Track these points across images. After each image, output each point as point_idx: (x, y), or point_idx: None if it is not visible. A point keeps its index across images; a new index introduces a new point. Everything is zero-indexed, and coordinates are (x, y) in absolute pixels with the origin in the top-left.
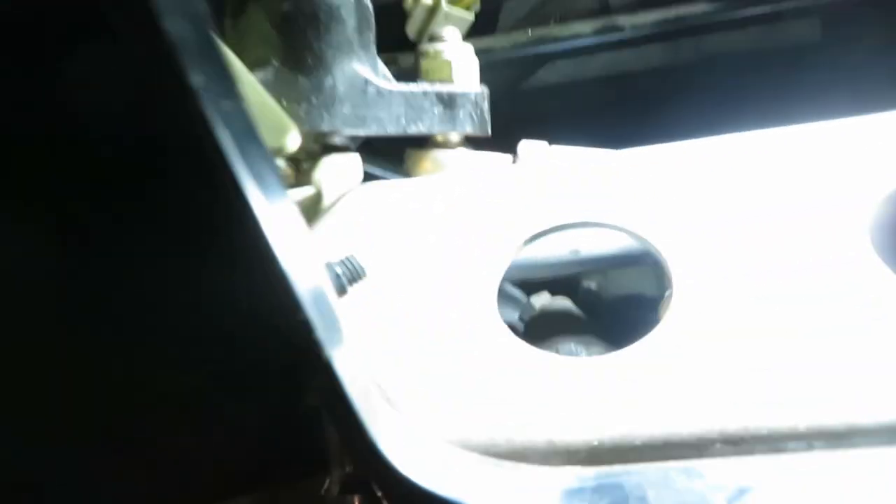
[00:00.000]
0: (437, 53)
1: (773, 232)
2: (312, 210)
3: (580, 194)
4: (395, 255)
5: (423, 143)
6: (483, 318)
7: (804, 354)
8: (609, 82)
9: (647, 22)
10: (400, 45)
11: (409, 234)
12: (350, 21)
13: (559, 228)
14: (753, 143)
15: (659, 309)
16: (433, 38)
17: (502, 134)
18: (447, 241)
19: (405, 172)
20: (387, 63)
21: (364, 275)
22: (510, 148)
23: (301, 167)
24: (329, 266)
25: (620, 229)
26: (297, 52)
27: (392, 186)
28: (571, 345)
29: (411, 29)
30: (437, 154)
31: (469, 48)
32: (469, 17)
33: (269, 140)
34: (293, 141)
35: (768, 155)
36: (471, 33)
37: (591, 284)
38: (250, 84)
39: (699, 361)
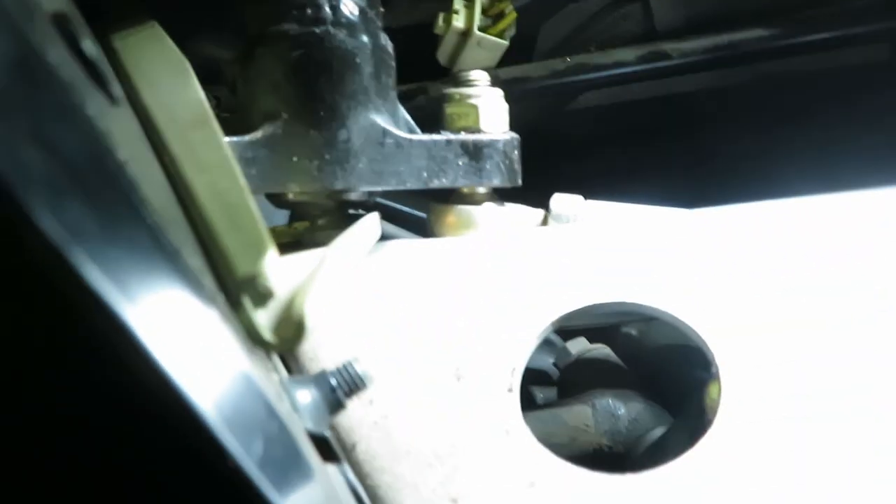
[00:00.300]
0: (463, 98)
1: (841, 319)
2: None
3: (618, 265)
4: (411, 334)
5: (447, 195)
6: (507, 421)
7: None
8: (654, 104)
9: (697, 48)
10: (431, 73)
11: (430, 307)
12: (367, 68)
13: (592, 309)
14: (819, 208)
15: (704, 398)
16: (459, 82)
17: (538, 159)
18: (471, 317)
19: (429, 227)
20: (415, 93)
21: (366, 385)
22: (546, 174)
23: (316, 223)
24: (323, 376)
25: (660, 312)
26: (309, 103)
27: (416, 248)
28: (609, 399)
29: (442, 55)
30: (463, 209)
31: (498, 92)
32: (503, 43)
33: (242, 263)
34: (271, 264)
35: (837, 222)
36: (505, 60)
37: (631, 331)
38: (224, 188)
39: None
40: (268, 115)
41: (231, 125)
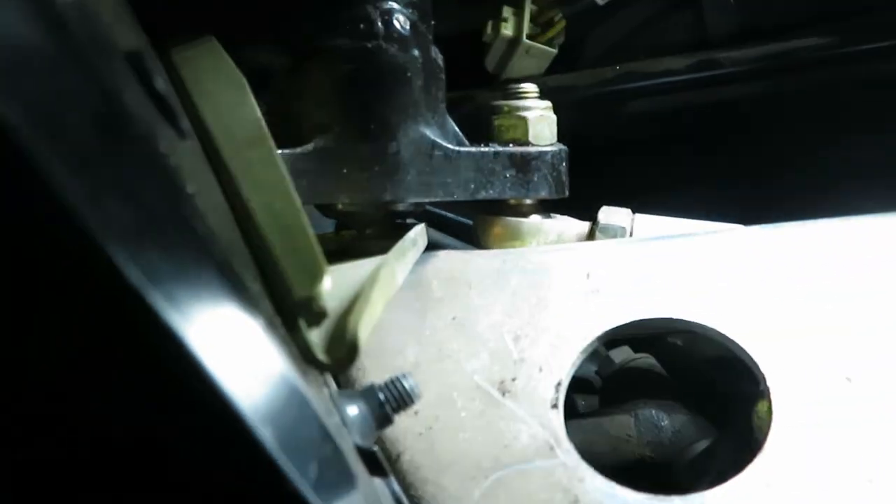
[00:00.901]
0: (512, 110)
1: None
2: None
3: (667, 281)
4: (458, 345)
5: (494, 205)
6: (552, 437)
7: None
8: (706, 110)
9: (750, 57)
10: (478, 81)
11: (477, 320)
12: (417, 81)
13: (639, 325)
14: (875, 228)
15: (752, 416)
16: (507, 94)
17: (585, 165)
18: (517, 330)
19: (475, 237)
20: (463, 101)
21: (414, 400)
22: (592, 181)
23: (363, 233)
24: (372, 391)
25: (709, 330)
26: (359, 117)
27: (463, 259)
28: (652, 410)
29: (490, 62)
30: (510, 221)
31: (547, 104)
32: (552, 51)
33: (298, 286)
34: (326, 288)
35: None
36: (552, 68)
37: (677, 341)
38: (281, 209)
39: None
40: (318, 128)
41: (280, 136)
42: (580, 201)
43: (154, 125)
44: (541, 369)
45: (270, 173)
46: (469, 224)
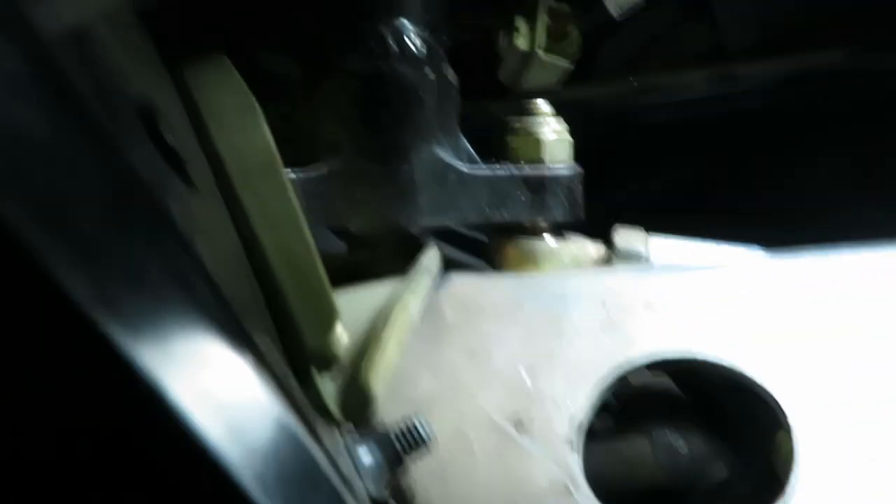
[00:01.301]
0: (527, 130)
1: None
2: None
3: (686, 314)
4: (473, 377)
5: (508, 226)
6: (569, 478)
7: None
8: (723, 120)
9: (770, 70)
10: (492, 90)
11: (493, 350)
12: (430, 101)
13: (658, 360)
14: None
15: (773, 452)
16: (522, 112)
17: (597, 177)
18: (534, 362)
19: (490, 258)
20: (476, 112)
21: (427, 442)
22: (605, 193)
23: (376, 254)
24: (385, 433)
25: (731, 369)
26: (372, 138)
27: (478, 285)
28: (669, 434)
29: (504, 74)
30: (524, 242)
31: (562, 123)
32: (567, 65)
33: (311, 336)
34: (339, 335)
35: None
36: (567, 80)
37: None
38: (294, 249)
39: None
40: (331, 148)
41: (293, 156)
42: (592, 216)
43: (163, 181)
44: (557, 405)
45: (282, 208)
46: (483, 240)
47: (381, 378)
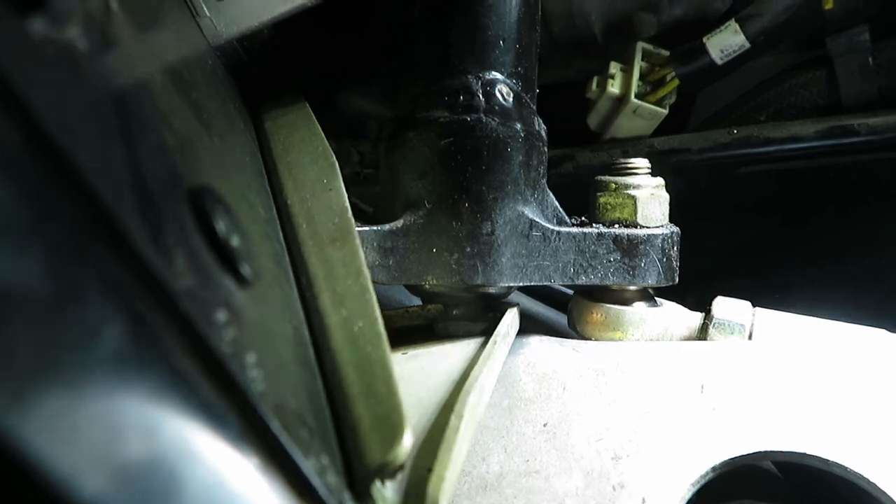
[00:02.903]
0: (620, 188)
1: None
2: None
3: (798, 404)
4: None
5: (593, 288)
6: None
7: None
8: (827, 172)
9: (891, 124)
10: (581, 139)
11: (574, 430)
12: (518, 157)
13: (764, 456)
14: None
15: None
16: (615, 170)
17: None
18: (619, 445)
19: (570, 320)
20: (563, 159)
21: None
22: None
23: (451, 313)
24: None
25: (852, 474)
26: (454, 193)
27: (559, 354)
28: None
29: (593, 120)
30: (611, 309)
31: (659, 181)
32: (662, 112)
33: (374, 447)
34: (405, 449)
35: None
36: (660, 129)
37: None
38: (362, 331)
39: None
40: (410, 203)
41: (371, 215)
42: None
43: (206, 285)
44: (644, 501)
45: (353, 281)
46: (569, 294)
47: (449, 491)
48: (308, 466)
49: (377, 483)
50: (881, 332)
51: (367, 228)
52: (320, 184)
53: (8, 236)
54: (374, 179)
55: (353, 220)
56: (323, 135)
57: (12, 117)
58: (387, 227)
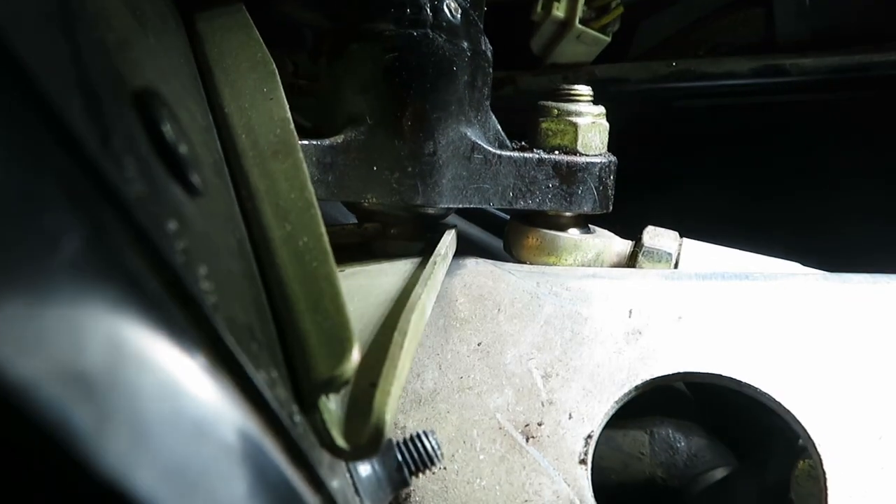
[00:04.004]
0: (562, 114)
1: None
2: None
3: (716, 330)
4: (483, 381)
5: (530, 214)
6: (577, 493)
7: None
8: (760, 109)
9: (821, 66)
10: (522, 61)
11: (505, 353)
12: (463, 76)
13: (683, 377)
14: None
15: (792, 482)
16: (558, 95)
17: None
18: (549, 371)
19: (506, 243)
20: (503, 83)
21: (436, 462)
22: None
23: (388, 232)
24: (390, 450)
25: (763, 395)
26: (397, 110)
27: (495, 276)
28: (669, 430)
29: (536, 44)
30: (546, 234)
31: (601, 110)
32: (605, 39)
33: (321, 362)
34: (354, 363)
35: None
36: (601, 58)
37: None
38: (306, 247)
39: None
40: (351, 119)
41: (309, 129)
42: (621, 205)
43: (156, 193)
44: (570, 416)
45: (296, 195)
46: (505, 218)
47: (393, 405)
48: (259, 379)
49: (322, 404)
50: (794, 265)
51: (306, 142)
52: (260, 93)
53: None
54: (309, 91)
55: (295, 133)
56: (261, 40)
57: None
58: (327, 141)
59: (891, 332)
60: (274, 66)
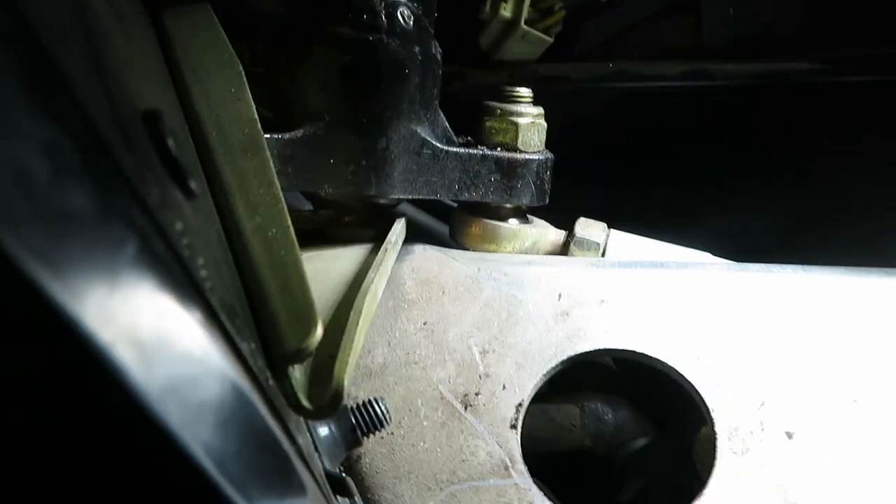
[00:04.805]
0: (505, 114)
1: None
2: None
3: (634, 312)
4: (427, 354)
5: (473, 204)
6: (509, 457)
7: None
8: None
9: (742, 72)
10: (471, 56)
11: (448, 329)
12: (414, 78)
13: (603, 353)
14: (834, 284)
15: (695, 447)
16: (502, 96)
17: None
18: (486, 345)
19: (452, 232)
20: (453, 77)
21: (385, 424)
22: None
23: (342, 220)
24: (345, 414)
25: (671, 370)
26: (353, 109)
27: (440, 262)
28: (599, 404)
29: (484, 41)
30: (488, 223)
31: (539, 110)
32: (548, 39)
33: (290, 337)
34: (318, 338)
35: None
36: (543, 57)
37: None
38: (275, 237)
39: None
40: (310, 115)
41: (271, 120)
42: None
43: (164, 195)
44: (504, 387)
45: (265, 191)
46: (452, 206)
47: (350, 372)
48: (244, 349)
49: (292, 375)
50: (705, 255)
51: (268, 136)
52: (228, 92)
53: (70, 174)
54: (266, 81)
55: (262, 132)
56: (227, 40)
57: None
58: (287, 135)
59: (780, 316)
60: (241, 67)
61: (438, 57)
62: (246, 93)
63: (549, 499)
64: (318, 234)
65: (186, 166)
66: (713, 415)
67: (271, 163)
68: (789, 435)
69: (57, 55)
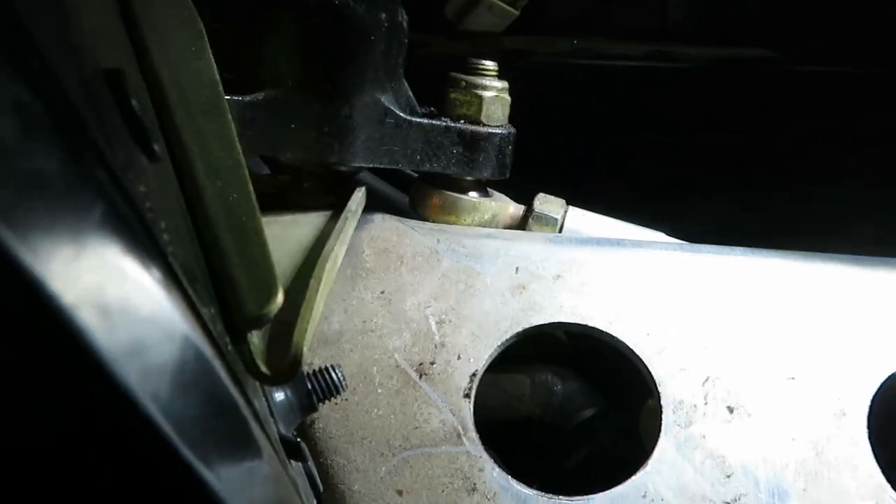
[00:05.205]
0: (470, 86)
1: (783, 372)
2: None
3: (588, 288)
4: (383, 322)
5: (434, 176)
6: (461, 425)
7: None
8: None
9: (703, 56)
10: (437, 24)
11: (404, 298)
12: (379, 45)
13: (557, 327)
14: (789, 266)
15: (641, 419)
16: (468, 68)
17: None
18: (442, 315)
19: (411, 202)
20: (419, 45)
21: (341, 391)
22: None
23: (302, 186)
24: (301, 380)
25: (620, 344)
26: (316, 74)
27: (399, 232)
28: (548, 375)
29: (450, 10)
30: (448, 195)
31: (504, 84)
32: (514, 12)
33: (250, 303)
34: (278, 304)
35: (803, 281)
36: (509, 30)
37: None
38: (235, 202)
39: None
40: (272, 79)
41: (232, 79)
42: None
43: (127, 158)
44: (459, 357)
45: (226, 154)
46: (412, 175)
47: (309, 338)
48: (205, 313)
49: (251, 340)
50: (660, 235)
51: (228, 98)
52: (189, 52)
53: (38, 134)
54: (226, 40)
55: (223, 94)
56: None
57: None
58: (248, 98)
59: (727, 296)
60: (202, 25)
61: (405, 24)
62: (207, 53)
63: (499, 466)
64: (275, 199)
65: (150, 128)
66: (659, 388)
67: (233, 127)
68: (730, 409)
69: (22, 9)
